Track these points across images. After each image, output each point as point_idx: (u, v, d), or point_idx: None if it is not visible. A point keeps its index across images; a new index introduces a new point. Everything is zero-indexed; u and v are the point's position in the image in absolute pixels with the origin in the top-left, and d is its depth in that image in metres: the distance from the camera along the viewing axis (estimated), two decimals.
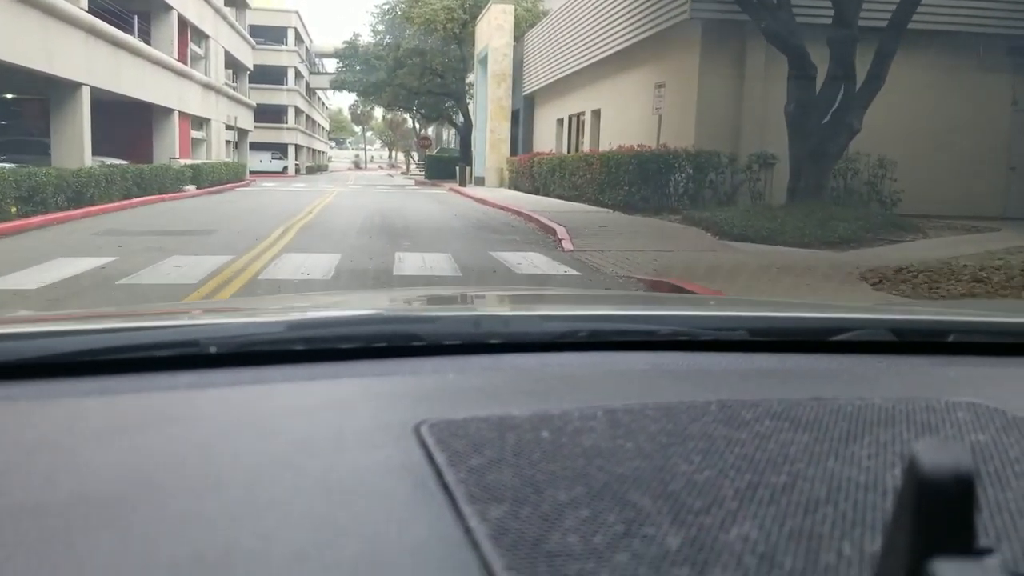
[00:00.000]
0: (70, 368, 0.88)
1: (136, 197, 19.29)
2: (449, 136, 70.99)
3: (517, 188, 27.81)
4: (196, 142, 31.07)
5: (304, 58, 65.15)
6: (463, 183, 33.41)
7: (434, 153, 47.50)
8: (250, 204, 20.39)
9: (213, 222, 14.55)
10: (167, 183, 21.97)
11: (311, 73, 73.38)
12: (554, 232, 12.98)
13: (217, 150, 33.14)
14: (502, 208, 19.21)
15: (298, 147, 64.83)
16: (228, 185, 29.25)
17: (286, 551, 0.52)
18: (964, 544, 0.38)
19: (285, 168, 61.25)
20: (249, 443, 0.70)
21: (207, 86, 31.07)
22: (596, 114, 23.81)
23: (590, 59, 22.69)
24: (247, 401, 0.82)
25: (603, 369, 0.99)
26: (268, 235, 12.28)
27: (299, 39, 65.25)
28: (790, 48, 14.36)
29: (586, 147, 24.18)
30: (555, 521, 0.54)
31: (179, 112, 27.15)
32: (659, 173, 16.02)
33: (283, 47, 61.15)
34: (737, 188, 16.10)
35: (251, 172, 58.28)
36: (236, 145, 41.13)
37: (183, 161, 26.11)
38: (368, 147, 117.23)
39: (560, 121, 27.96)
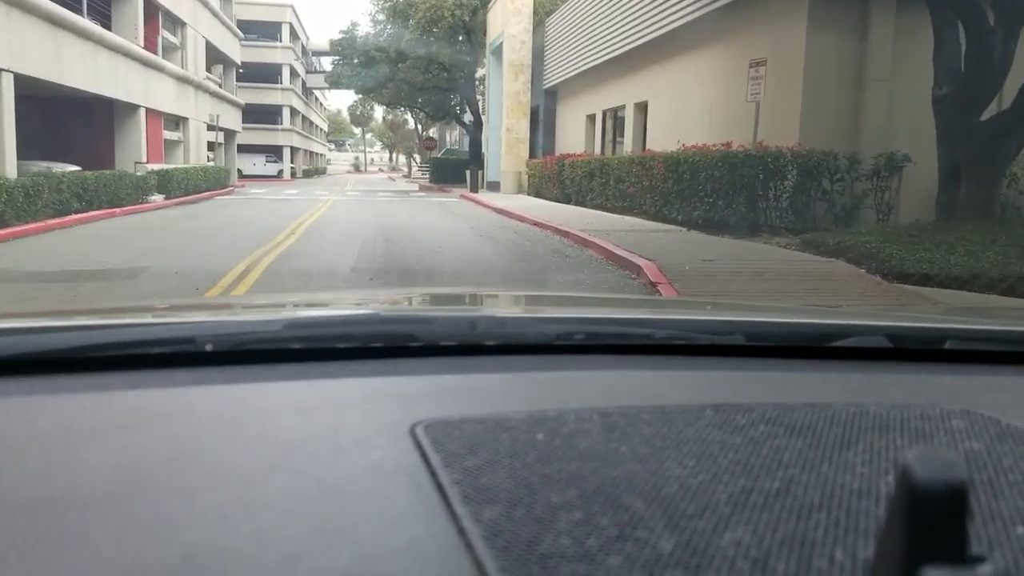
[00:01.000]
0: (65, 364, 0.86)
1: (78, 213, 15.21)
2: (454, 137, 66.93)
3: (540, 195, 23.70)
4: (171, 144, 26.94)
5: (300, 55, 61.03)
6: (475, 189, 29.32)
7: (440, 155, 43.30)
8: (221, 219, 16.29)
9: (151, 253, 10.43)
10: (123, 193, 17.83)
11: (308, 72, 69.28)
12: (635, 267, 8.88)
13: (197, 153, 29.01)
14: (536, 224, 15.12)
15: (294, 149, 60.70)
16: (206, 193, 25.12)
17: (279, 552, 0.51)
18: (956, 552, 0.38)
19: (280, 172, 57.19)
20: (244, 442, 0.69)
21: (183, 80, 26.94)
22: (641, 108, 19.68)
23: (634, 41, 18.57)
24: (243, 400, 0.81)
25: (599, 372, 0.96)
26: (218, 279, 8.15)
27: (294, 35, 61.14)
28: (953, 6, 10.26)
29: (628, 147, 20.07)
30: (549, 523, 0.54)
31: (146, 109, 23.02)
32: (757, 180, 11.90)
33: (277, 43, 57.03)
34: (861, 200, 11.98)
35: (244, 176, 54.34)
36: (224, 148, 36.99)
37: (150, 166, 22.00)
38: (368, 149, 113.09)
39: (591, 117, 23.82)
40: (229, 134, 36.59)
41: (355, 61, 33.57)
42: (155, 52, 24.26)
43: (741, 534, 0.53)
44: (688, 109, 16.29)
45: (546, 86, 27.49)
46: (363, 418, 0.76)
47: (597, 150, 22.70)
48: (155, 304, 2.20)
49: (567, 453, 0.66)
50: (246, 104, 56.98)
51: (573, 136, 25.09)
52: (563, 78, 25.43)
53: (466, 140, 52.57)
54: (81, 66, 18.31)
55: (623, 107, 20.78)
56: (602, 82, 22.04)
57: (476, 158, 35.58)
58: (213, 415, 0.77)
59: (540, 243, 12.24)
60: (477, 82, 35.02)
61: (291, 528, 0.54)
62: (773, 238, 11.40)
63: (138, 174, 20.00)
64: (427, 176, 54.46)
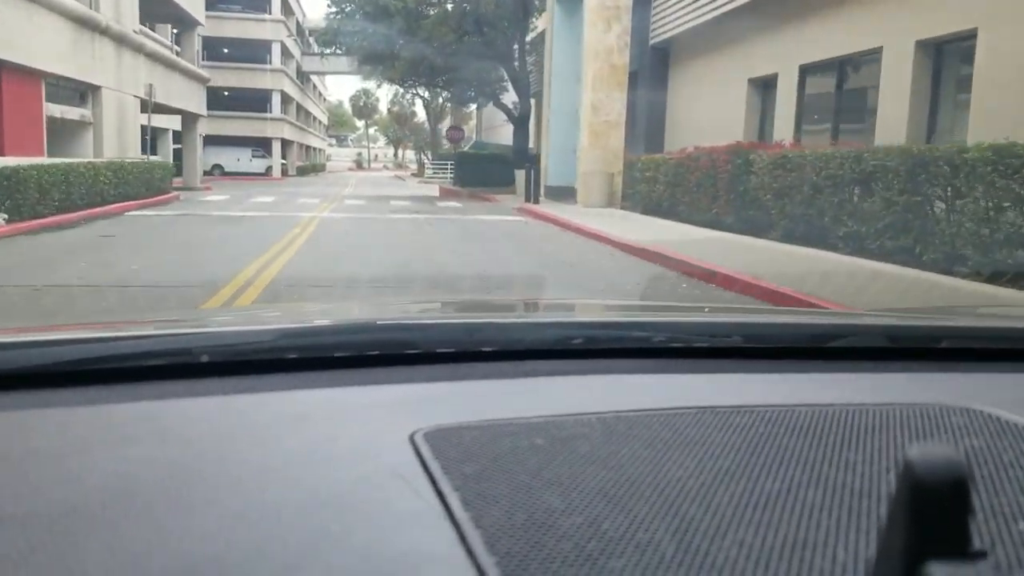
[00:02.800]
0: (60, 378, 0.84)
1: None
2: (471, 128, 56.82)
3: (663, 214, 13.78)
4: (69, 126, 16.97)
5: (292, 32, 50.93)
6: (534, 198, 19.38)
7: (468, 149, 33.13)
8: (21, 288, 6.33)
9: None
10: None
11: (303, 54, 59.22)
12: None
13: (121, 141, 19.00)
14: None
15: (286, 143, 50.70)
16: (115, 206, 15.05)
17: (279, 562, 0.51)
18: (959, 547, 0.38)
19: (268, 169, 47.28)
20: (242, 452, 0.69)
21: (88, 24, 16.90)
22: (931, 49, 9.74)
23: None
24: (240, 410, 0.80)
25: (598, 376, 0.94)
26: None
27: (287, 9, 51.13)
28: None
29: (887, 130, 10.09)
30: (550, 528, 0.54)
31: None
32: None
33: (266, 15, 47.01)
34: None
35: (224, 173, 44.57)
36: (184, 136, 27.01)
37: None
38: (371, 145, 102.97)
39: (761, 83, 13.86)
40: (189, 118, 26.61)
41: (357, 15, 23.37)
42: None
43: (744, 535, 0.52)
44: None
45: (653, 41, 17.54)
46: (362, 426, 0.75)
47: (780, 138, 12.71)
48: (150, 316, 2.19)
49: (567, 457, 0.65)
50: (229, 89, 47.10)
51: (714, 116, 15.10)
52: (690, 23, 15.49)
53: (488, 131, 42.63)
54: None
55: (869, 56, 10.77)
56: (793, 18, 12.08)
57: (522, 153, 25.67)
58: (210, 425, 0.75)
59: None
60: (528, 47, 25.02)
61: (290, 537, 0.53)
62: None
63: None
64: (444, 175, 44.49)
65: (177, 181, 27.01)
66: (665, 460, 0.65)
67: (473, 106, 47.92)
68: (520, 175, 21.88)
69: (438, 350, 0.97)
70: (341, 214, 15.64)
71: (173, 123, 27.98)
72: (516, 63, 24.59)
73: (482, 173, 28.31)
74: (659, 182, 14.43)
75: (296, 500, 0.58)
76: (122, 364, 0.87)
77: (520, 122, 25.43)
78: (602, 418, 0.74)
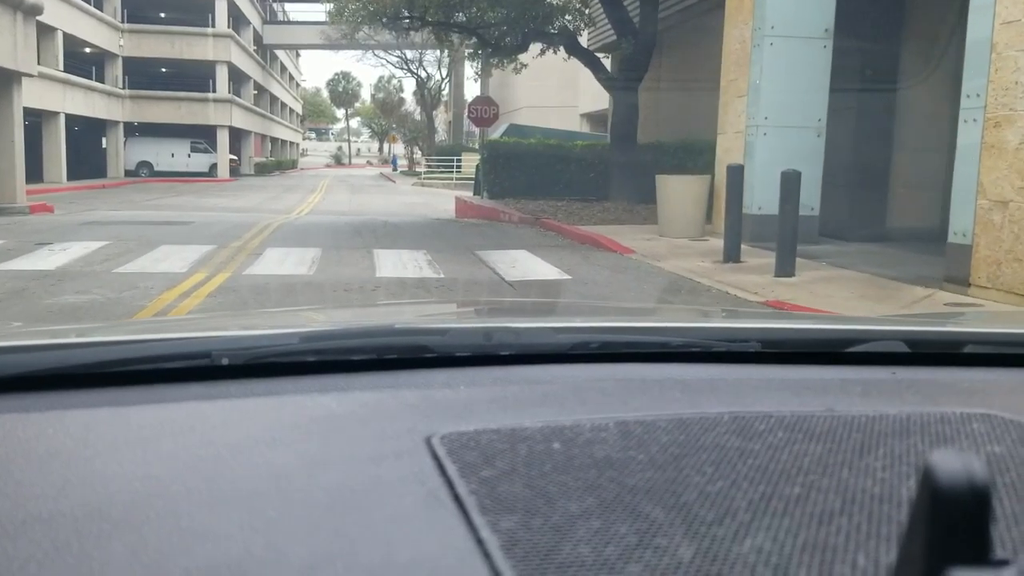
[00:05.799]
0: (83, 380, 0.85)
1: None
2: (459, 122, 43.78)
3: None
4: None
5: None
6: (784, 265, 6.55)
7: (500, 137, 20.00)
8: None
9: None
10: None
11: (265, 23, 45.98)
12: None
13: None
14: None
15: (238, 133, 37.63)
16: None
17: (298, 563, 0.50)
18: (980, 555, 0.37)
19: (213, 167, 34.26)
20: (260, 455, 0.68)
21: None
22: None
23: None
24: (259, 413, 0.80)
25: (615, 380, 0.94)
26: None
27: None
28: None
29: None
30: (567, 532, 0.53)
31: None
32: None
33: None
34: None
35: (153, 174, 32.00)
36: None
37: None
38: (355, 138, 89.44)
39: None
40: None
41: None
42: None
43: (761, 540, 0.51)
44: None
45: None
46: (379, 429, 0.74)
47: None
48: (171, 319, 2.10)
49: (584, 462, 0.64)
50: (158, 60, 33.83)
51: None
52: None
53: (502, 116, 29.54)
54: None
55: None
56: None
57: (626, 139, 13.06)
58: (230, 428, 0.75)
59: None
60: None
61: (308, 539, 0.53)
62: None
63: None
64: (448, 175, 31.49)
65: None
66: (682, 465, 0.63)
67: (474, 92, 34.99)
68: (685, 188, 9.06)
69: (456, 354, 0.95)
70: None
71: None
72: None
73: (532, 177, 15.66)
74: None
75: (314, 502, 0.58)
76: (144, 366, 0.86)
77: (630, 73, 12.58)
78: (619, 422, 0.73)
